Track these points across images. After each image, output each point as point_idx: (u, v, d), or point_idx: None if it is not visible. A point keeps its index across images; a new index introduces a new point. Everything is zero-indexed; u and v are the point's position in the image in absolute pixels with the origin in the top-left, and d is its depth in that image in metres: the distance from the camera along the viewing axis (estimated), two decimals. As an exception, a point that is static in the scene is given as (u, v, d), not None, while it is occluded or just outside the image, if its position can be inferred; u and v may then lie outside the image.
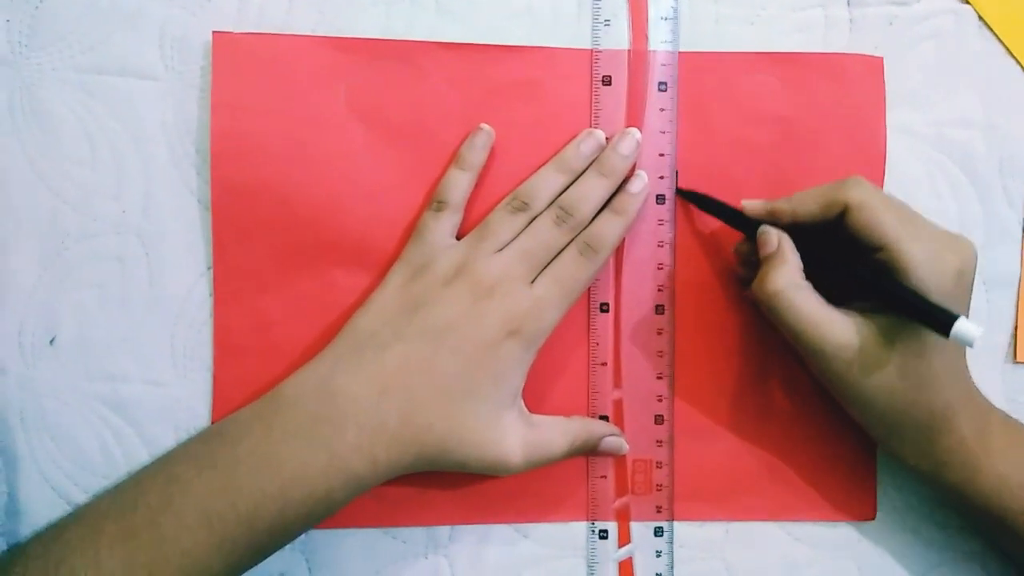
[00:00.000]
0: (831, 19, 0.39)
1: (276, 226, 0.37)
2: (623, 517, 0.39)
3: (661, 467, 0.39)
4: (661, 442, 0.39)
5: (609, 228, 0.36)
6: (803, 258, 0.35)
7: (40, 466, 0.37)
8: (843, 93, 0.39)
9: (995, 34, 0.40)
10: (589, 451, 0.38)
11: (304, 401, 0.34)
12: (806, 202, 0.34)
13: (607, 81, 0.38)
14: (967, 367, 0.35)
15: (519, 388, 0.36)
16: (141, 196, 0.37)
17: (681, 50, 0.39)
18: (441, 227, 0.36)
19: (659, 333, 0.39)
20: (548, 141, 0.38)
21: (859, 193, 0.33)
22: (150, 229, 0.37)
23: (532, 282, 0.35)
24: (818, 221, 0.34)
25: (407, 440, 0.33)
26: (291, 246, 0.37)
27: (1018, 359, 0.40)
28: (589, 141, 0.37)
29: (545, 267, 0.36)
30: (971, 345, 0.31)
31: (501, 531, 0.39)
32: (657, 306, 0.39)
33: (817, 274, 0.34)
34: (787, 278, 0.33)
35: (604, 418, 0.39)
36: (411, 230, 0.37)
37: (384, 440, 0.33)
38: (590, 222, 0.36)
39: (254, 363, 0.37)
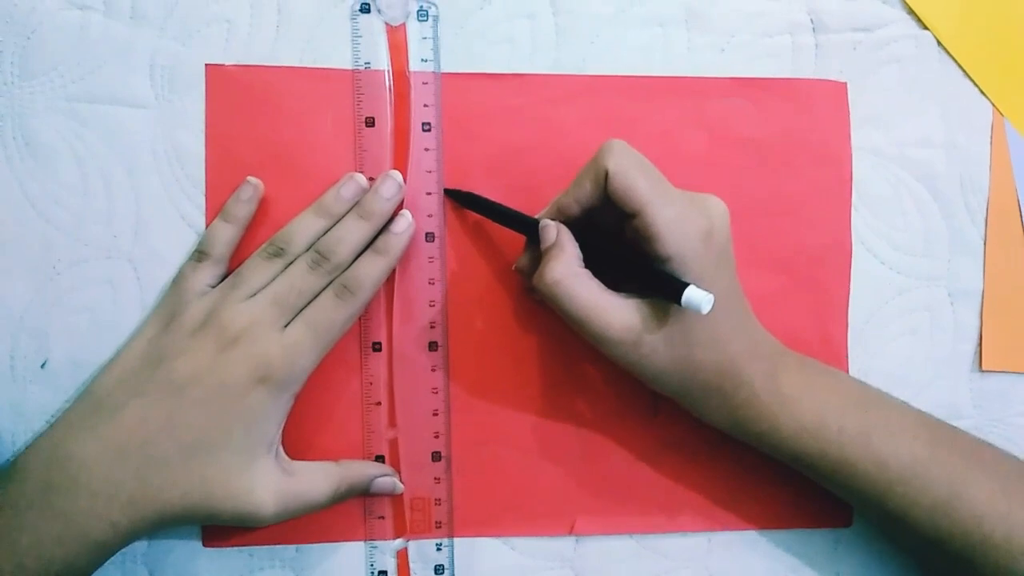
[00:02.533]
0: (798, 45, 0.41)
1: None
2: (402, 557, 0.39)
3: (440, 504, 0.39)
4: (439, 479, 0.39)
5: (368, 269, 0.36)
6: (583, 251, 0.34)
7: (32, 489, 0.37)
8: (810, 115, 0.41)
9: (953, 58, 0.42)
10: (360, 494, 0.38)
11: (36, 471, 0.33)
12: (580, 185, 0.34)
13: (370, 123, 0.38)
14: (754, 320, 0.36)
15: (274, 436, 0.35)
16: (132, 221, 0.38)
17: (655, 75, 0.40)
18: (198, 277, 0.36)
19: (433, 370, 0.39)
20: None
21: (616, 159, 0.33)
22: (141, 253, 0.38)
23: (285, 327, 0.35)
24: (598, 198, 0.34)
25: (147, 501, 0.33)
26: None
27: (984, 367, 0.42)
28: (350, 185, 0.37)
29: (301, 312, 0.35)
30: (702, 311, 0.31)
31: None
32: (430, 343, 0.39)
33: (592, 263, 0.34)
34: (566, 267, 0.33)
35: (380, 458, 0.38)
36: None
37: (121, 503, 0.32)
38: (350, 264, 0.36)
39: None
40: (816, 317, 0.41)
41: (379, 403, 0.39)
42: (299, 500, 0.35)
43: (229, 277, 0.36)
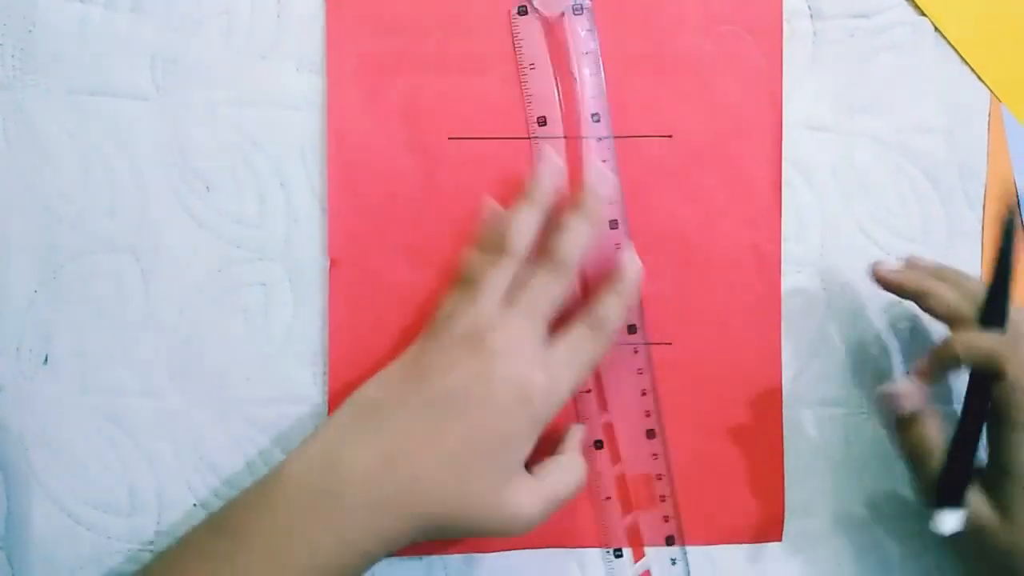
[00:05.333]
0: (795, 32, 0.41)
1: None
2: (633, 533, 0.40)
3: (661, 479, 0.40)
4: (656, 455, 0.40)
5: (614, 306, 0.37)
6: None
7: (40, 479, 0.38)
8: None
9: (951, 44, 0.42)
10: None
11: (308, 478, 0.33)
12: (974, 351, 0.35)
13: (542, 122, 0.39)
14: None
15: (529, 451, 0.35)
16: (135, 213, 0.38)
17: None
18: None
19: (635, 352, 0.40)
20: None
21: (1015, 365, 0.34)
22: (144, 245, 0.38)
23: (545, 344, 0.35)
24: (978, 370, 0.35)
25: (414, 513, 0.33)
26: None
27: (982, 353, 0.42)
28: (550, 171, 0.37)
29: (558, 336, 0.36)
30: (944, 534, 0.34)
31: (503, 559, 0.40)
32: (628, 326, 0.40)
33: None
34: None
35: (599, 443, 0.40)
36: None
37: (391, 515, 0.32)
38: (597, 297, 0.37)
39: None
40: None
41: (589, 391, 0.40)
42: (554, 502, 0.35)
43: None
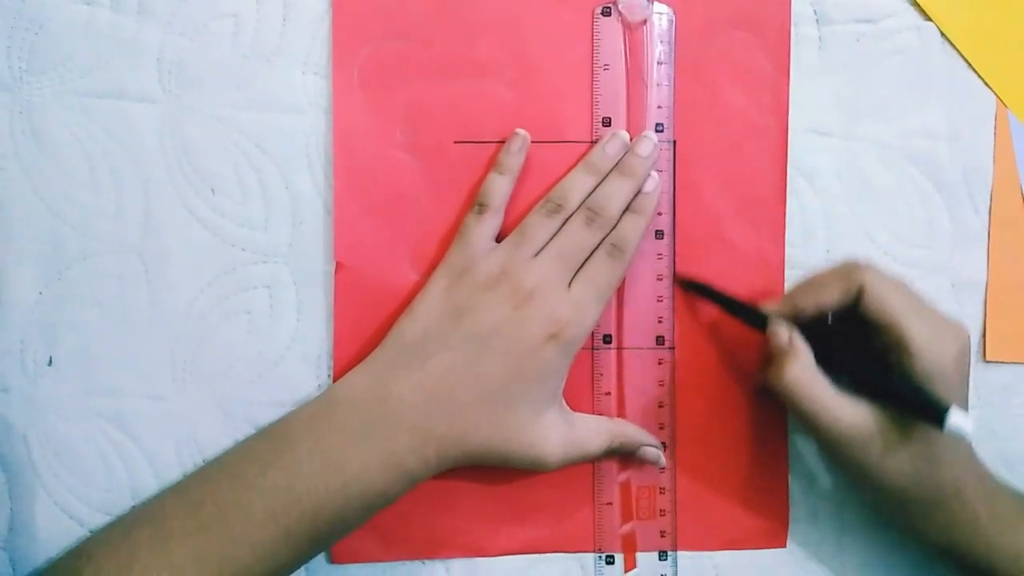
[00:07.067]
0: (801, 37, 0.41)
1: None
2: (629, 542, 0.40)
3: (664, 493, 0.40)
4: (664, 468, 0.40)
5: (631, 228, 0.38)
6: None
7: (43, 480, 0.38)
8: None
9: (957, 49, 0.42)
10: (626, 454, 0.40)
11: (359, 404, 0.35)
12: (826, 291, 0.36)
13: (607, 122, 0.40)
14: (973, 449, 0.36)
15: (559, 388, 0.38)
16: (140, 216, 0.38)
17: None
18: (482, 230, 0.38)
19: (660, 363, 0.40)
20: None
21: (871, 275, 0.35)
22: (149, 248, 0.38)
23: (569, 285, 0.37)
24: (836, 307, 0.36)
25: (454, 441, 0.35)
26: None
27: (988, 358, 0.42)
28: (615, 142, 0.38)
29: (579, 270, 0.37)
30: (965, 438, 0.32)
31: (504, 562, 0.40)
32: (657, 337, 0.40)
33: (822, 367, 0.36)
34: (803, 370, 0.35)
35: None
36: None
37: (434, 441, 0.35)
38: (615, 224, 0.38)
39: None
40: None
41: (608, 393, 0.40)
42: (579, 449, 0.38)
43: (513, 233, 0.38)
